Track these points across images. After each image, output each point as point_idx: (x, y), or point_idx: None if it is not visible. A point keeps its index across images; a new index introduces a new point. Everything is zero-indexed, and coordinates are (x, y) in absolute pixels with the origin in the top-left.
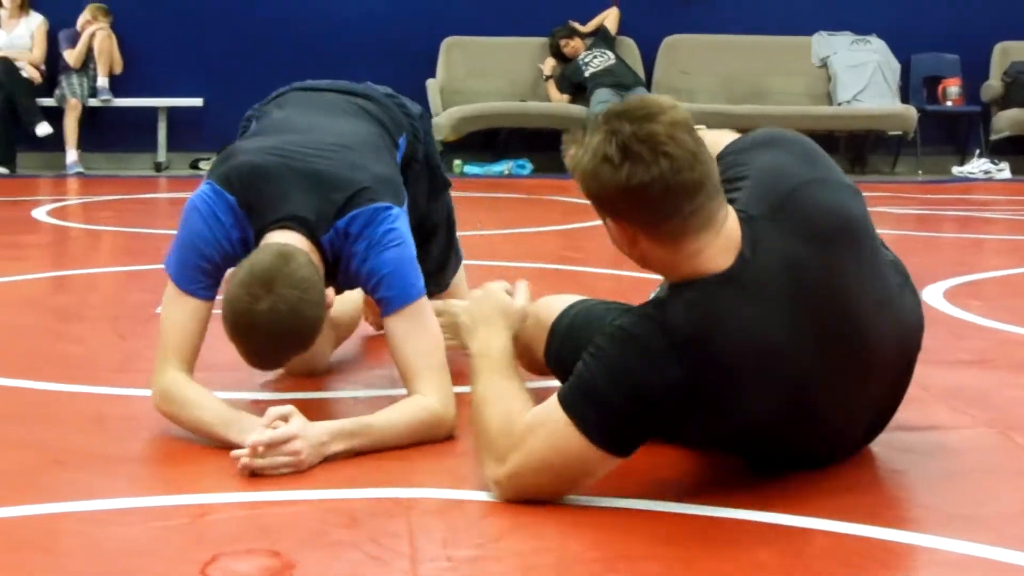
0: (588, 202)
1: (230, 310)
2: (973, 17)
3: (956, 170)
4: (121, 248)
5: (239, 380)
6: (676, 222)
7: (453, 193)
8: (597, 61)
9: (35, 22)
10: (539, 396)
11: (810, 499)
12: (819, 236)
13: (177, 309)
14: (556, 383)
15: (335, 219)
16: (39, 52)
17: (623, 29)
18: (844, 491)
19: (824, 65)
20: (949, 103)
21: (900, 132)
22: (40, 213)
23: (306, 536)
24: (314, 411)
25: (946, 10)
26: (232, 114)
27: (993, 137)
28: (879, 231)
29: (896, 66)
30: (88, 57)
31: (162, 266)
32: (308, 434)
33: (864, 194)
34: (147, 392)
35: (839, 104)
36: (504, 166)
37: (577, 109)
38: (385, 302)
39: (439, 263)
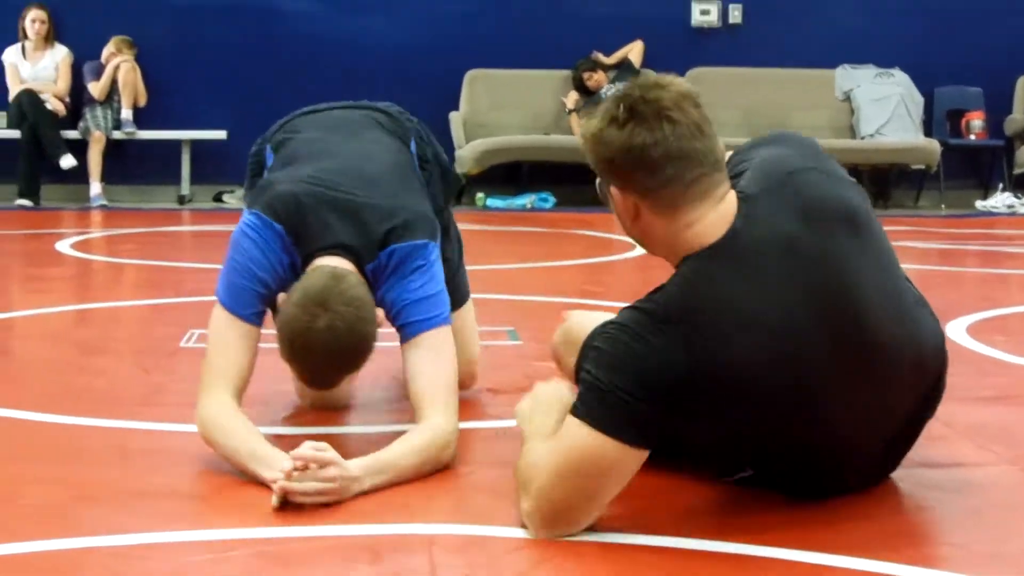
0: (597, 177)
1: (288, 330)
2: (996, 50)
3: (979, 204)
4: (145, 281)
5: (260, 414)
6: (675, 189)
7: (475, 226)
8: None
9: (60, 54)
10: None
11: (835, 535)
12: (814, 216)
13: (228, 334)
14: None
15: (379, 249)
16: (64, 84)
17: (647, 62)
18: (869, 528)
19: (847, 98)
20: (972, 137)
21: (923, 166)
22: (64, 246)
23: (328, 572)
24: (335, 446)
25: (969, 43)
26: None
27: (1017, 171)
28: (902, 266)
29: (919, 99)
30: (112, 89)
31: (185, 300)
32: (345, 465)
33: (887, 228)
34: (170, 426)
35: (862, 137)
36: (527, 199)
37: None
38: (407, 328)
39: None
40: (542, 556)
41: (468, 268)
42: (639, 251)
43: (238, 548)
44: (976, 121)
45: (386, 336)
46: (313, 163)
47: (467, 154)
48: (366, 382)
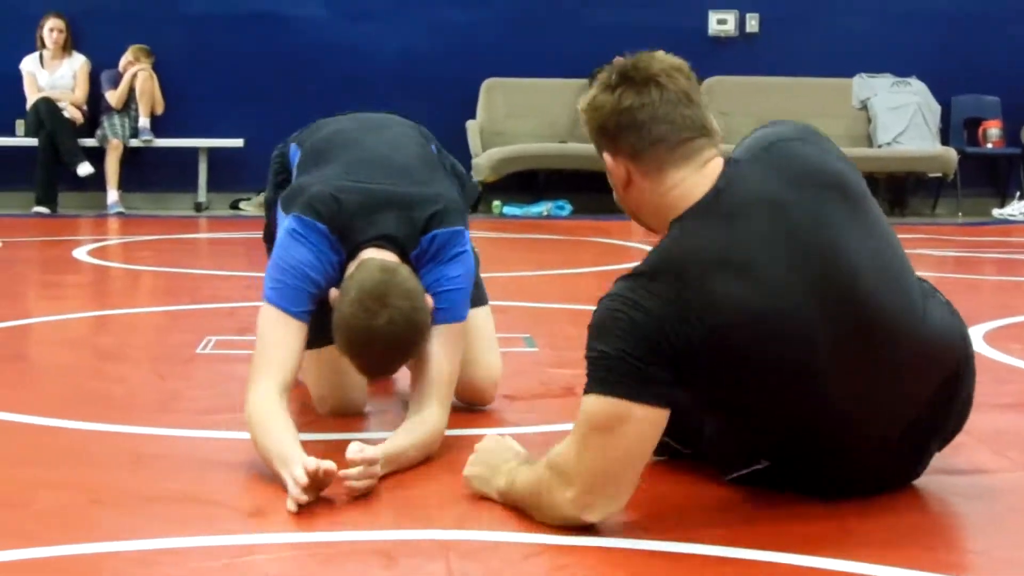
0: (595, 149)
1: (347, 327)
2: (1014, 59)
3: (996, 212)
4: (161, 288)
5: None
6: (661, 151)
7: (492, 234)
8: None
9: (78, 63)
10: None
11: (852, 541)
12: (801, 181)
13: (279, 330)
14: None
15: (420, 236)
16: (81, 93)
17: None
18: (886, 533)
19: (864, 107)
20: (989, 145)
21: (940, 174)
22: (81, 253)
23: None
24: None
25: (987, 52)
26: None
27: None
28: (919, 273)
29: (936, 108)
30: (130, 98)
31: (202, 307)
32: (377, 458)
33: (903, 236)
34: (185, 432)
35: (879, 146)
36: (543, 207)
37: None
38: (436, 314)
39: None
40: (558, 562)
41: (484, 276)
42: None
43: (253, 554)
44: (993, 129)
45: None
46: (342, 157)
47: (484, 162)
48: (380, 389)
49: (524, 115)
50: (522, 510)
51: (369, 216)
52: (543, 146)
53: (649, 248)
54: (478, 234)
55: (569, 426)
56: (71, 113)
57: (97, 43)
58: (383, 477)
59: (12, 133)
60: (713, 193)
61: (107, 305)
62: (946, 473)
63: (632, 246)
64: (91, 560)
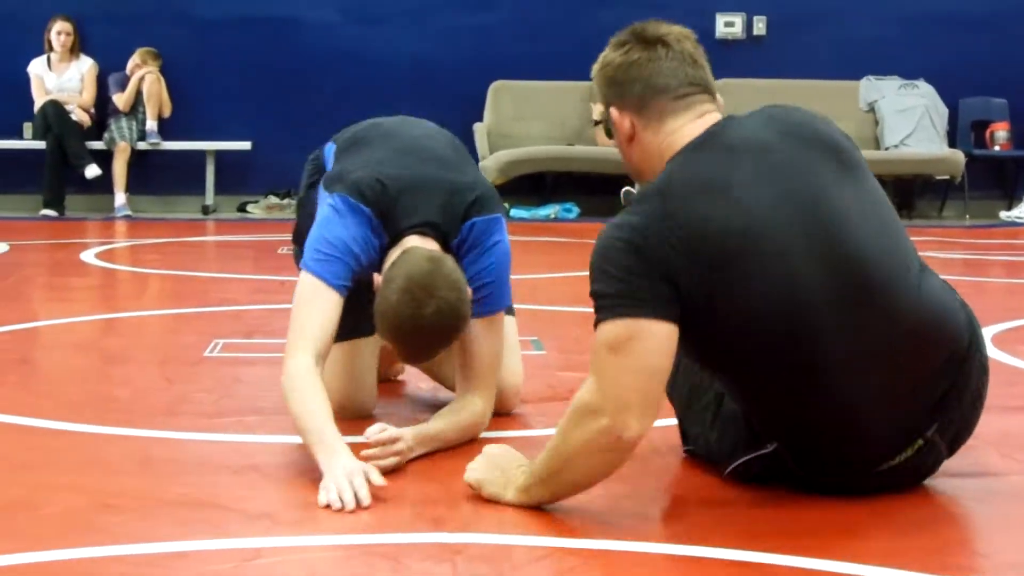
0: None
1: (395, 315)
2: (1022, 61)
3: (1004, 215)
4: (169, 291)
5: (290, 425)
6: (664, 101)
7: None
8: None
9: (85, 65)
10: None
11: (860, 544)
12: (794, 135)
13: (316, 300)
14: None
15: (461, 222)
16: (89, 95)
17: None
18: (894, 536)
19: (871, 109)
20: (997, 147)
21: (947, 176)
22: (88, 256)
23: None
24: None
25: (994, 55)
26: (280, 157)
27: None
28: None
29: (944, 110)
30: (137, 100)
31: (209, 310)
32: (405, 437)
33: (912, 239)
34: (193, 435)
35: (886, 148)
36: (551, 210)
37: None
38: (480, 303)
39: None
40: (565, 565)
41: None
42: None
43: (261, 557)
44: (1001, 132)
45: None
46: (381, 144)
47: (491, 164)
48: (389, 391)
49: (531, 118)
50: (552, 494)
51: (412, 201)
52: (550, 148)
53: None
54: None
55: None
56: (78, 116)
57: (104, 46)
58: (417, 458)
59: (20, 136)
60: (706, 135)
61: (115, 308)
62: (954, 476)
63: None
64: (99, 564)
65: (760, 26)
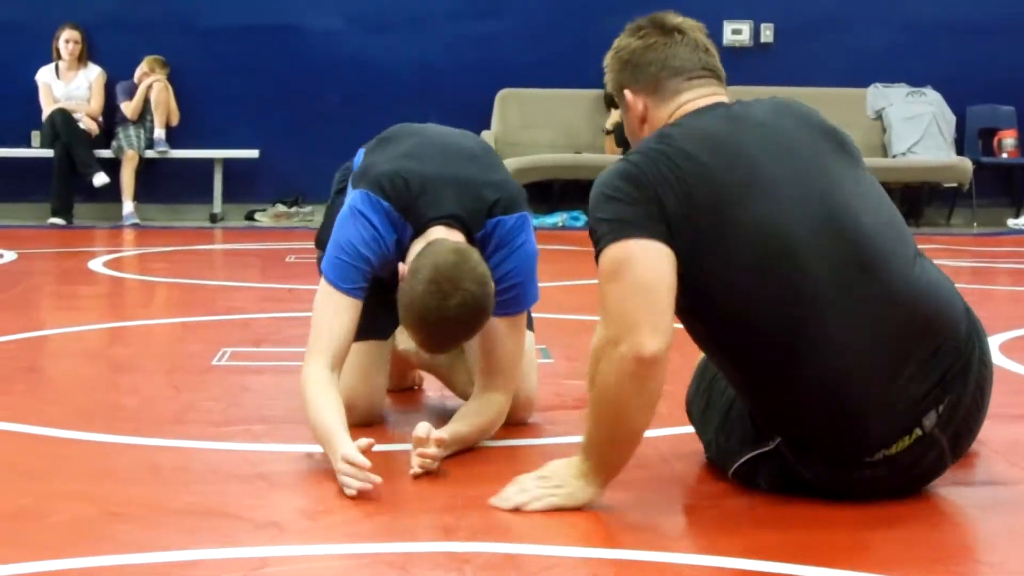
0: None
1: (421, 305)
2: None
3: (1011, 222)
4: (177, 299)
5: (292, 432)
6: (678, 81)
7: None
8: None
9: (93, 74)
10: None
11: (868, 553)
12: (800, 120)
13: (332, 307)
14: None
15: (486, 218)
16: (97, 104)
17: None
18: (902, 545)
19: (879, 117)
20: (1005, 155)
21: (955, 184)
22: (96, 264)
23: None
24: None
25: (1002, 62)
26: (287, 165)
27: None
28: None
29: (951, 118)
30: (145, 109)
31: (217, 318)
32: (445, 439)
33: (919, 246)
34: (201, 444)
35: (894, 156)
36: (558, 218)
37: None
38: (506, 303)
39: None
40: (575, 575)
41: None
42: None
43: (269, 566)
44: (1008, 139)
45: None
46: (409, 141)
47: None
48: (405, 400)
49: (539, 125)
50: (612, 451)
51: (435, 194)
52: (558, 156)
53: None
54: None
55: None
56: (86, 124)
57: (113, 54)
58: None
59: (28, 144)
60: (713, 104)
61: (122, 316)
62: (961, 484)
63: None
64: (107, 572)
65: (767, 34)
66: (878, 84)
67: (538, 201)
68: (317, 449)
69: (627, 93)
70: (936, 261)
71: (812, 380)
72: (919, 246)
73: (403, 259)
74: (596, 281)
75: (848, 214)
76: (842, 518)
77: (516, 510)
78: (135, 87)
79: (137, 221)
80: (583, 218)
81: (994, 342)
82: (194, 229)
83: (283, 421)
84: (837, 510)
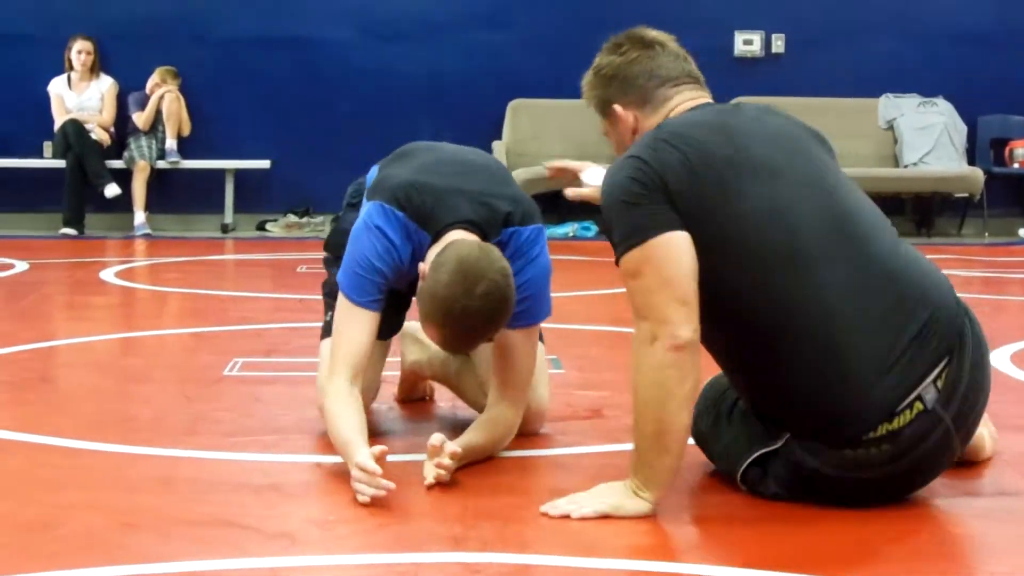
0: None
1: (446, 294)
2: None
3: (1023, 232)
4: (188, 310)
5: (309, 444)
6: (666, 88)
7: None
8: None
9: (105, 85)
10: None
11: (877, 562)
12: (782, 116)
13: (350, 321)
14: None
15: (502, 227)
16: (109, 115)
17: None
18: (912, 555)
19: (890, 127)
20: (1016, 165)
21: (967, 194)
22: (108, 274)
23: None
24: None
25: (1013, 72)
26: (299, 176)
27: None
28: None
29: (963, 128)
30: (157, 119)
31: (229, 328)
32: (458, 450)
33: (930, 256)
34: (214, 454)
35: (905, 166)
36: (569, 228)
37: None
38: (518, 315)
39: None
40: None
41: None
42: None
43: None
44: (1020, 149)
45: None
46: (423, 155)
47: None
48: (416, 411)
49: (549, 136)
50: (662, 447)
51: (452, 202)
52: None
53: None
54: None
55: (598, 448)
56: (98, 135)
57: (124, 65)
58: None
59: (40, 155)
60: (703, 104)
61: (134, 327)
62: (971, 495)
63: None
64: None
65: (779, 44)
66: (889, 94)
67: (549, 211)
68: (328, 459)
69: (616, 107)
70: (947, 271)
71: (810, 348)
72: (928, 256)
73: (418, 270)
74: (606, 291)
75: (835, 194)
76: (850, 529)
77: (565, 517)
78: (147, 98)
79: (149, 231)
80: (594, 228)
81: (1005, 352)
82: (205, 239)
83: (294, 431)
84: (845, 521)
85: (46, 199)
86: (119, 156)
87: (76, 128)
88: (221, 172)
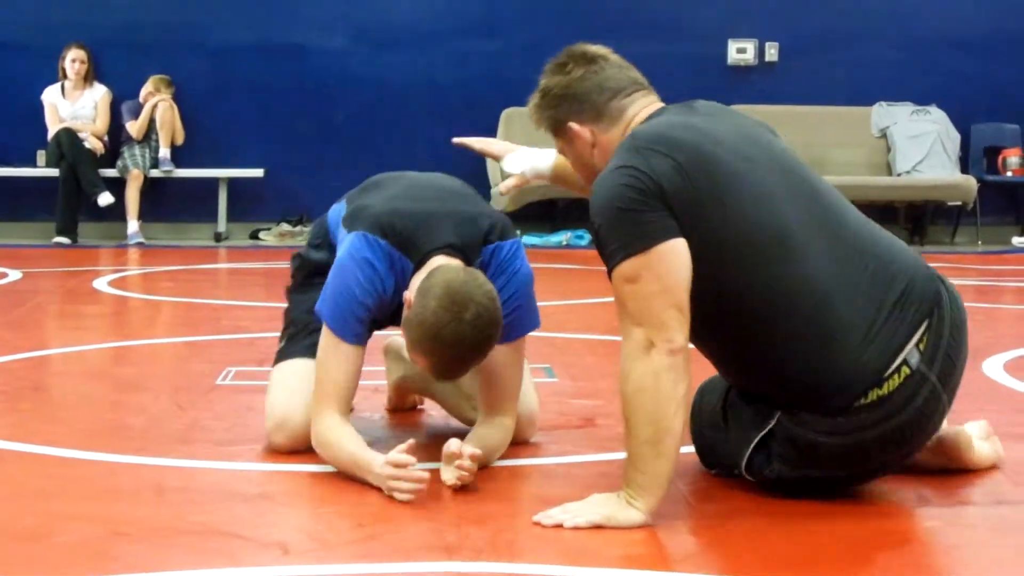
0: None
1: (435, 321)
2: None
3: (1016, 240)
4: (182, 319)
5: (295, 454)
6: (619, 99)
7: None
8: None
9: (98, 93)
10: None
11: (875, 573)
12: (736, 112)
13: (336, 357)
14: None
15: (483, 246)
16: (102, 123)
17: (686, 99)
18: (908, 566)
19: (883, 135)
20: (1009, 173)
21: (960, 202)
22: (101, 283)
23: None
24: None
25: (1007, 80)
26: (292, 184)
27: None
28: None
29: (956, 136)
30: (150, 128)
31: (222, 337)
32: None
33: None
34: (206, 463)
35: (898, 174)
36: (562, 236)
37: None
38: (511, 328)
39: None
40: None
41: None
42: None
43: None
44: (1013, 158)
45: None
46: (393, 185)
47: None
48: (404, 420)
49: (544, 144)
50: (656, 455)
51: (430, 228)
52: None
53: None
54: None
55: (591, 457)
56: (92, 144)
57: (118, 74)
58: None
59: (33, 164)
60: (660, 108)
61: (127, 336)
62: (965, 504)
63: None
64: None
65: (772, 52)
66: (883, 102)
67: (542, 220)
68: (320, 468)
69: (572, 125)
70: None
71: (801, 325)
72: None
73: (402, 299)
74: (600, 300)
75: (800, 175)
76: (843, 537)
77: (558, 526)
78: (140, 107)
79: (142, 240)
80: (587, 237)
81: (999, 361)
82: (199, 248)
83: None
84: (838, 529)
85: (39, 208)
86: (112, 165)
87: (69, 137)
88: (214, 181)
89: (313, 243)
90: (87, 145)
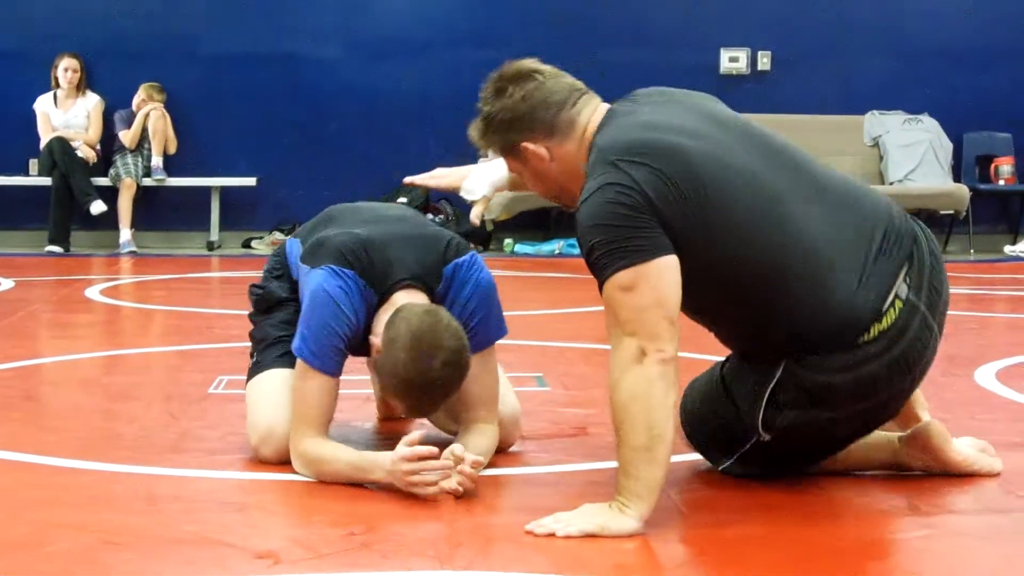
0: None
1: (405, 373)
2: None
3: (1008, 249)
4: (174, 328)
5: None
6: (567, 110)
7: (503, 272)
8: None
9: (91, 102)
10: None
11: None
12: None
13: (313, 387)
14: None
15: (443, 266)
16: (95, 132)
17: None
18: (901, 572)
19: (876, 144)
20: (1001, 182)
21: (952, 211)
22: (93, 292)
23: None
24: (351, 494)
25: (998, 89)
26: (285, 193)
27: None
28: None
29: (948, 145)
30: (143, 137)
31: (214, 346)
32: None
33: None
34: (199, 472)
35: (891, 183)
36: (555, 245)
37: None
38: (479, 339)
39: None
40: None
41: None
42: None
43: None
44: (1005, 166)
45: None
46: (349, 217)
47: (496, 200)
48: (388, 427)
49: None
50: (649, 461)
51: (390, 258)
52: None
53: None
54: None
55: (582, 466)
56: (84, 152)
57: (111, 83)
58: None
59: (25, 172)
60: (611, 110)
61: (119, 345)
62: (956, 513)
63: None
64: None
65: (764, 61)
66: (875, 111)
67: (535, 229)
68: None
69: (527, 145)
70: None
71: (802, 277)
72: None
73: (370, 330)
74: (592, 309)
75: (763, 136)
76: (838, 545)
77: (551, 535)
78: (133, 116)
79: (134, 249)
80: None
81: (991, 369)
82: (191, 257)
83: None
84: (829, 536)
85: (32, 216)
86: (105, 173)
87: (62, 146)
88: (207, 189)
89: (274, 273)
90: (79, 154)
